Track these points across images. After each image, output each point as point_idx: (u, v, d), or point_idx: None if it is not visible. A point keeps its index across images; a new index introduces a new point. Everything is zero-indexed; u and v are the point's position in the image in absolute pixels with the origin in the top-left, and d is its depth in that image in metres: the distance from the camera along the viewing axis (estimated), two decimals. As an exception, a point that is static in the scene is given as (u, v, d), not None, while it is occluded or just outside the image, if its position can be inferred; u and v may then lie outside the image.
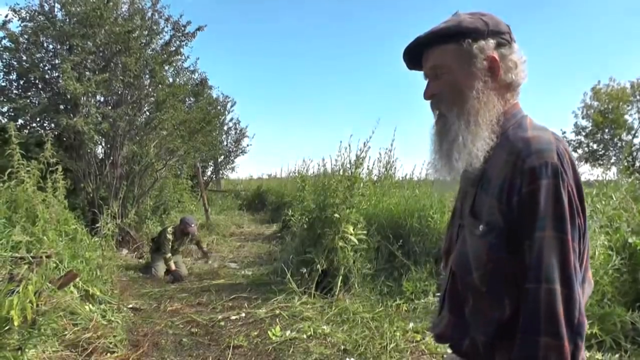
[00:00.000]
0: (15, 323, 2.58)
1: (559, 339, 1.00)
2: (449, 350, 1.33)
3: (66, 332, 3.68)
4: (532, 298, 1.03)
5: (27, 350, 2.90)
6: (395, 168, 8.20)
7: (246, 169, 50.67)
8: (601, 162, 25.70)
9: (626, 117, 26.25)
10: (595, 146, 27.54)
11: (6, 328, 2.64)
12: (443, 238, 1.53)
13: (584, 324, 1.02)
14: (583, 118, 27.66)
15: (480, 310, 1.16)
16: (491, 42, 1.20)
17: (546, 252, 1.02)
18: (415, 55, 1.30)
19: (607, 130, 26.66)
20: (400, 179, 8.44)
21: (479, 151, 1.16)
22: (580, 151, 27.84)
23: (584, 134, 27.70)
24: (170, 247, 6.87)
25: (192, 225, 7.07)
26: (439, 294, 5.18)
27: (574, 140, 28.14)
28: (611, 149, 26.77)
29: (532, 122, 1.20)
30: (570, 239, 1.03)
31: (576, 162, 1.10)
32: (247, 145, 23.52)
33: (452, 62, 1.22)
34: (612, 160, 25.67)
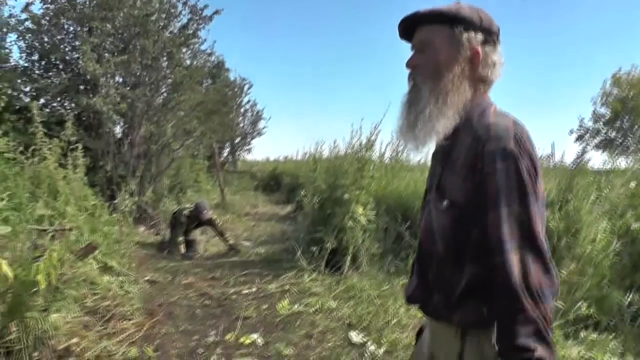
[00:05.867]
0: (42, 286, 2.79)
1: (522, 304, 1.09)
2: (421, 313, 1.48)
3: (86, 300, 3.89)
4: (500, 271, 1.12)
5: (51, 313, 3.12)
6: (405, 151, 8.28)
7: (263, 150, 51.07)
8: (616, 150, 25.33)
9: (647, 105, 25.82)
10: (613, 134, 27.16)
11: (34, 290, 2.86)
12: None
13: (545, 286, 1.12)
14: (602, 105, 27.30)
15: (443, 276, 1.30)
16: (479, 36, 1.31)
17: (507, 227, 1.13)
18: (409, 27, 1.40)
19: (626, 118, 26.27)
20: (410, 162, 8.52)
21: (440, 127, 1.28)
22: (598, 139, 27.45)
23: (602, 121, 27.32)
24: (183, 229, 7.10)
25: (204, 211, 7.18)
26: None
27: (592, 128, 27.76)
28: (630, 137, 26.35)
29: (495, 110, 1.31)
30: (535, 211, 1.14)
31: (534, 148, 1.20)
32: (264, 128, 23.78)
33: (440, 42, 1.32)
34: (631, 149, 25.24)
